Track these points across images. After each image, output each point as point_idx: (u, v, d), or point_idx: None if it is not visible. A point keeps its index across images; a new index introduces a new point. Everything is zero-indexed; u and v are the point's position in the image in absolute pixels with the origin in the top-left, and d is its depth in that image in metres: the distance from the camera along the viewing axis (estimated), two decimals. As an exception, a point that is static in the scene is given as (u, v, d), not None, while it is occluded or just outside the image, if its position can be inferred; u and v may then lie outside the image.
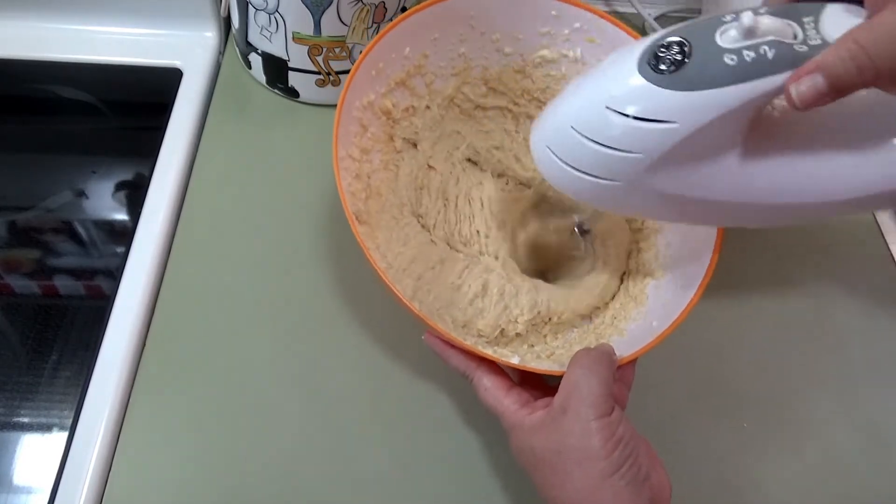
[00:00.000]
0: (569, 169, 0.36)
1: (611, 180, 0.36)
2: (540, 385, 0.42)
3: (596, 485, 0.35)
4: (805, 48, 0.30)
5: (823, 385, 0.52)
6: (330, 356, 0.50)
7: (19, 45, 0.64)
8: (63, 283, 0.54)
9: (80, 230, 0.57)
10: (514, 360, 0.42)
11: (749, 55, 0.31)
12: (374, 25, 0.57)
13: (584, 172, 0.36)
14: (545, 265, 0.53)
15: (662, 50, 0.32)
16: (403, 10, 0.58)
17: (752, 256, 0.57)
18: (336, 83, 0.61)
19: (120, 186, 0.59)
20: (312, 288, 0.52)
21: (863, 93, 0.35)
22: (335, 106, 0.63)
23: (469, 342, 0.42)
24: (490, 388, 0.40)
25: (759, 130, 0.35)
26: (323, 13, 0.55)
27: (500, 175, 0.56)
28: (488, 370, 0.41)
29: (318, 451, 0.46)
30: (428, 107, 0.54)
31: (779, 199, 0.37)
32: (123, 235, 0.55)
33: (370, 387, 0.49)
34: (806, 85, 0.29)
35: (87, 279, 0.54)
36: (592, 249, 0.50)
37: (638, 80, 0.32)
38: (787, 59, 0.30)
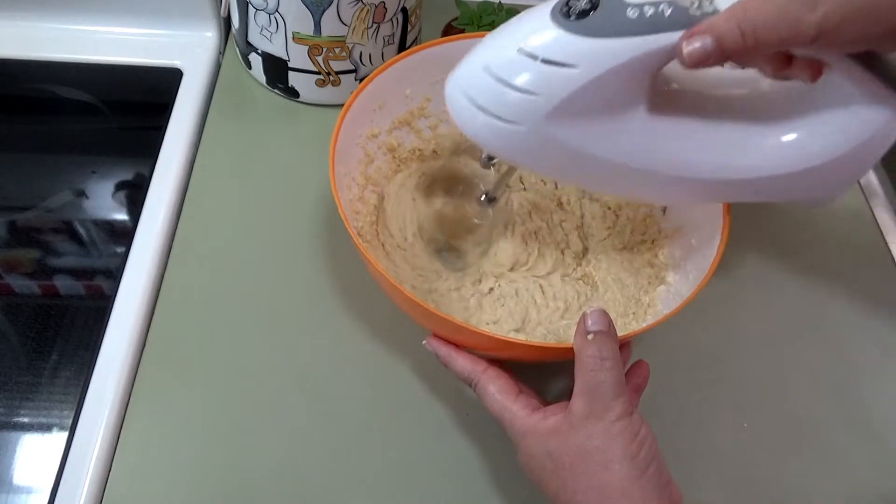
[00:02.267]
0: (477, 111, 0.38)
1: (515, 123, 0.37)
2: (535, 395, 0.42)
3: (624, 487, 0.34)
4: (699, 13, 0.33)
5: (823, 385, 0.52)
6: (329, 357, 0.50)
7: (19, 45, 0.64)
8: (63, 283, 0.54)
9: (80, 230, 0.57)
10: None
11: (649, 11, 0.34)
12: (375, 25, 0.57)
13: (491, 115, 0.37)
14: (451, 235, 0.53)
15: (574, 0, 0.35)
16: (403, 10, 0.58)
17: (752, 256, 0.57)
18: (336, 83, 0.61)
19: (120, 186, 0.59)
20: (312, 288, 0.52)
21: (756, 82, 0.40)
22: (335, 106, 0.64)
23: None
24: (496, 393, 0.39)
25: (656, 101, 0.38)
26: (323, 13, 0.55)
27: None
28: (495, 375, 0.40)
29: (317, 451, 0.46)
30: (435, 151, 0.55)
31: (665, 170, 0.39)
32: (123, 235, 0.55)
33: (370, 387, 0.49)
34: (696, 44, 0.33)
35: (87, 279, 0.54)
36: (493, 217, 0.51)
37: (548, 25, 0.35)
38: (682, 20, 0.33)
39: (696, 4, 0.34)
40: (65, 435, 0.45)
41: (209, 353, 0.49)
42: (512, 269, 0.51)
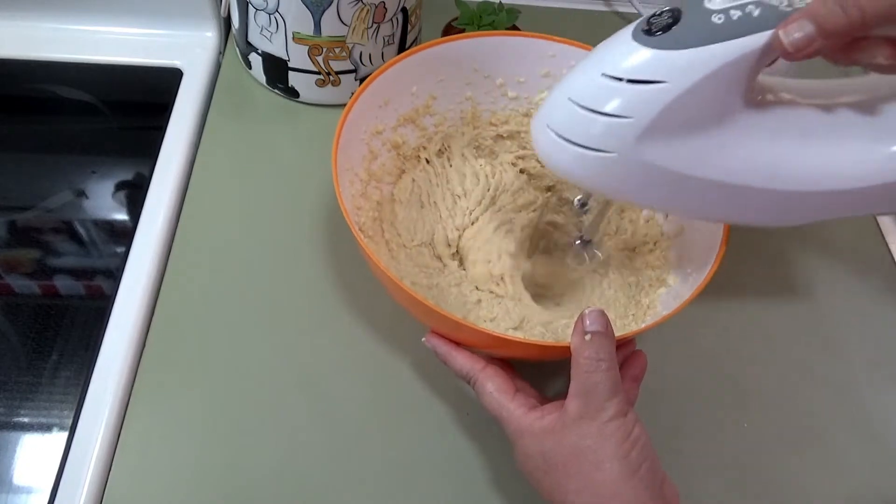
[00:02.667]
0: (566, 144, 0.36)
1: (606, 152, 0.36)
2: (533, 392, 0.42)
3: (616, 486, 0.34)
4: (789, 8, 0.32)
5: (823, 385, 0.52)
6: (330, 356, 0.50)
7: (19, 45, 0.64)
8: (63, 283, 0.54)
9: (80, 230, 0.57)
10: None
11: (735, 14, 0.32)
12: (375, 25, 0.57)
13: (579, 145, 0.36)
14: (548, 289, 0.52)
15: (655, 18, 0.34)
16: (403, 10, 0.58)
17: (752, 257, 0.57)
18: (336, 83, 0.61)
19: (120, 186, 0.59)
20: (312, 288, 0.52)
21: (861, 84, 0.37)
22: (335, 106, 0.64)
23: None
24: (494, 391, 0.40)
25: (754, 114, 0.36)
26: (323, 13, 0.55)
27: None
28: (493, 373, 0.40)
29: (317, 451, 0.46)
30: (441, 150, 0.55)
31: (768, 185, 0.37)
32: (123, 235, 0.55)
33: (370, 387, 0.49)
34: (795, 30, 0.31)
35: (87, 279, 0.54)
36: (596, 262, 0.50)
37: (630, 45, 0.34)
38: (772, 17, 0.32)
39: (785, 2, 0.32)
40: (65, 435, 0.45)
41: (209, 353, 0.49)
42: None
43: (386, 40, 0.59)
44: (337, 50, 0.58)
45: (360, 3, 0.54)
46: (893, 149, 0.36)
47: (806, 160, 0.37)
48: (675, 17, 0.33)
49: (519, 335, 0.47)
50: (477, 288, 0.50)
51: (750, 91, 0.35)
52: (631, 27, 0.34)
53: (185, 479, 0.44)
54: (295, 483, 0.44)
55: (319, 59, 0.58)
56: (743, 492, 0.47)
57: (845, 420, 0.50)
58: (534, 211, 0.54)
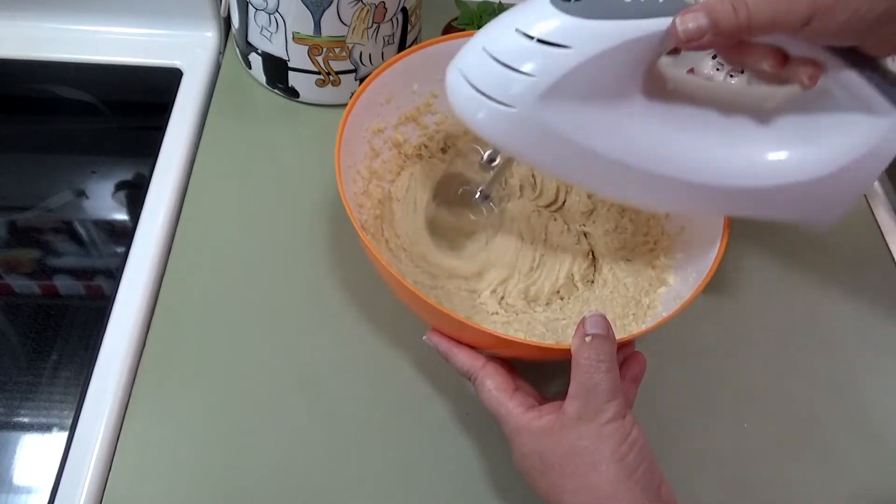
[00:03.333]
0: (474, 93, 0.38)
1: (510, 106, 0.37)
2: (532, 391, 0.42)
3: (612, 487, 0.34)
4: (692, 0, 0.34)
5: (823, 385, 0.52)
6: (330, 356, 0.50)
7: (19, 45, 0.64)
8: (63, 283, 0.54)
9: (80, 230, 0.57)
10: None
11: None
12: (375, 25, 0.57)
13: (486, 96, 0.37)
14: (447, 238, 0.53)
15: None
16: (403, 10, 0.58)
17: (752, 256, 0.57)
18: (336, 83, 0.61)
19: (120, 186, 0.59)
20: (312, 288, 0.52)
21: (755, 92, 0.40)
22: (335, 106, 0.63)
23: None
24: (493, 389, 0.40)
25: (653, 98, 0.38)
26: (323, 13, 0.55)
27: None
28: (493, 371, 0.40)
29: (318, 450, 0.46)
30: (443, 149, 0.55)
31: (648, 166, 0.39)
32: (123, 235, 0.55)
33: (370, 387, 0.49)
34: (691, 20, 0.33)
35: (87, 279, 0.54)
36: (493, 217, 0.51)
37: (546, 6, 0.35)
38: (677, 5, 0.34)
39: None
40: (65, 435, 0.45)
41: (209, 353, 0.49)
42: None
43: (386, 40, 0.59)
44: (337, 50, 0.58)
45: (360, 3, 0.54)
46: (774, 156, 0.39)
47: (688, 150, 0.39)
48: None
49: (521, 336, 0.47)
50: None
51: (650, 75, 0.38)
52: None
53: (185, 479, 0.44)
54: (295, 483, 0.44)
55: (319, 59, 0.58)
56: (743, 492, 0.47)
57: (845, 420, 0.50)
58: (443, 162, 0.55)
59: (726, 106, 0.40)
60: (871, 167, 0.38)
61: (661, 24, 0.34)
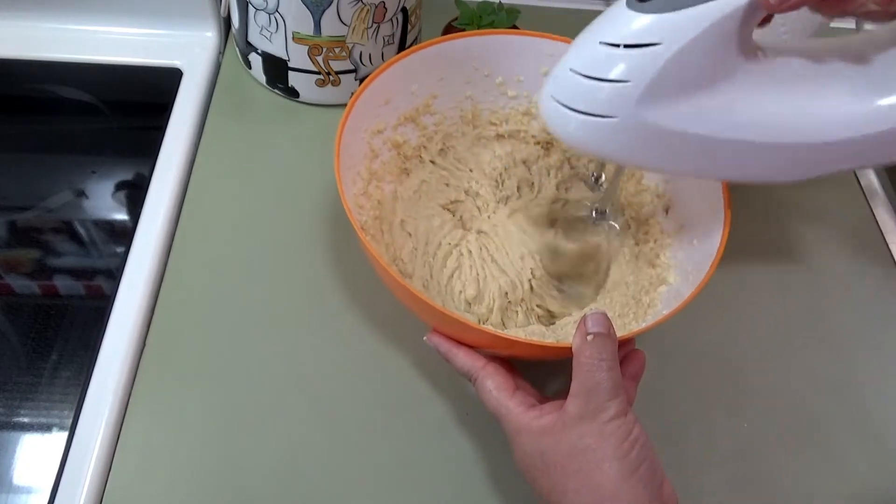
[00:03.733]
0: (571, 113, 0.38)
1: (609, 116, 0.37)
2: (533, 391, 0.42)
3: (615, 486, 0.34)
4: None
5: (823, 385, 0.52)
6: (330, 356, 0.50)
7: (19, 45, 0.64)
8: (63, 283, 0.54)
9: (80, 230, 0.57)
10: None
11: None
12: (375, 25, 0.57)
13: (584, 113, 0.37)
14: (571, 270, 0.52)
15: None
16: (403, 10, 0.58)
17: (752, 256, 0.57)
18: (336, 83, 0.61)
19: (120, 186, 0.59)
20: (312, 288, 0.52)
21: (852, 40, 0.38)
22: (335, 106, 0.63)
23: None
24: (493, 389, 0.40)
25: (748, 68, 0.37)
26: (323, 13, 0.55)
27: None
28: (493, 371, 0.40)
29: (318, 451, 0.46)
30: (442, 150, 0.55)
31: (766, 138, 0.38)
32: (123, 235, 0.55)
33: (370, 387, 0.49)
34: None
35: (87, 279, 0.54)
36: (614, 232, 0.51)
37: (624, 12, 0.35)
38: None
39: None
40: (65, 435, 0.45)
41: (209, 352, 0.49)
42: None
43: (386, 40, 0.59)
44: (337, 50, 0.58)
45: (360, 3, 0.54)
46: (880, 101, 0.38)
47: (800, 112, 0.38)
48: None
49: (520, 335, 0.47)
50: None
51: (744, 49, 0.37)
52: None
53: (185, 479, 0.44)
54: (295, 483, 0.44)
55: (319, 59, 0.58)
56: (743, 492, 0.47)
57: (845, 419, 0.50)
58: (539, 193, 0.55)
59: (826, 59, 0.39)
60: None
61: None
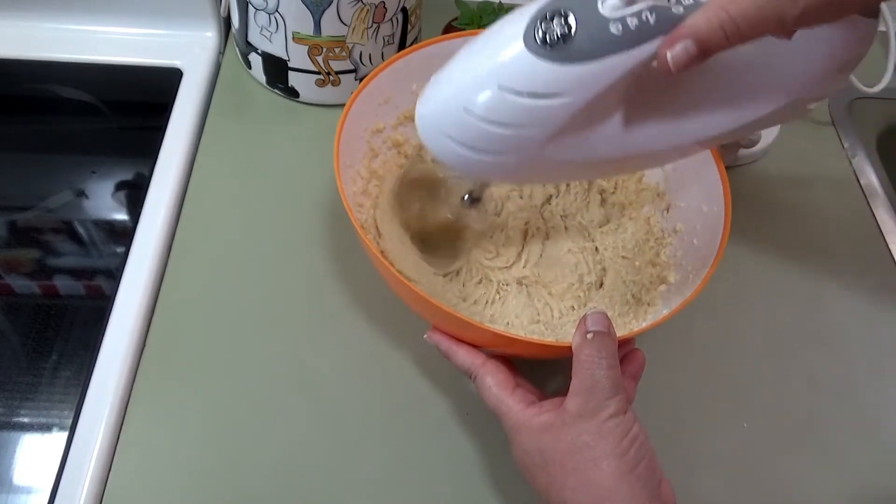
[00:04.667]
0: (465, 150, 0.36)
1: (508, 154, 0.36)
2: (533, 389, 0.42)
3: (613, 483, 0.34)
4: (681, 9, 0.32)
5: (823, 385, 0.52)
6: (330, 356, 0.50)
7: (19, 45, 0.64)
8: (63, 283, 0.54)
9: (80, 230, 0.57)
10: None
11: (633, 22, 0.32)
12: (375, 25, 0.57)
13: (482, 151, 0.36)
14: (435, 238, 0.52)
15: (545, 23, 0.32)
16: (403, 10, 0.58)
17: (752, 256, 0.57)
18: (336, 83, 0.61)
19: (120, 186, 0.59)
20: (312, 288, 0.52)
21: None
22: (335, 106, 0.63)
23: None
24: (493, 386, 0.40)
25: (642, 90, 0.37)
26: (323, 13, 0.55)
27: None
28: (493, 369, 0.40)
29: (318, 451, 0.46)
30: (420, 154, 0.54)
31: (652, 148, 0.39)
32: (123, 235, 0.55)
33: (370, 386, 0.49)
34: (679, 50, 0.31)
35: (87, 279, 0.54)
36: (486, 217, 0.51)
37: (527, 57, 0.32)
38: (668, 21, 0.32)
39: (674, 0, 0.32)
40: (65, 435, 0.45)
41: (209, 352, 0.49)
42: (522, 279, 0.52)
43: (386, 40, 0.59)
44: (337, 50, 0.58)
45: (360, 3, 0.54)
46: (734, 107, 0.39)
47: (674, 124, 0.39)
48: (569, 25, 0.32)
49: (521, 334, 0.47)
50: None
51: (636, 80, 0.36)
52: (520, 28, 0.33)
53: (185, 479, 0.44)
54: (295, 483, 0.44)
55: (319, 59, 0.58)
56: (743, 491, 0.47)
57: (845, 420, 0.50)
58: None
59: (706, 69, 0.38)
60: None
61: (649, 48, 0.32)
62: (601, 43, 0.32)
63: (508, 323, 0.49)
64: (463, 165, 0.37)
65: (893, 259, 0.59)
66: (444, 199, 0.51)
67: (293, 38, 0.57)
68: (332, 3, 0.54)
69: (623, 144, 0.38)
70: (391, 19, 0.58)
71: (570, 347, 0.38)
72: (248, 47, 0.61)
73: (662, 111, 0.39)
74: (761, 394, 0.51)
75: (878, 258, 0.59)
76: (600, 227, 0.54)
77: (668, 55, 0.31)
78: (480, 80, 0.34)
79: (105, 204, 0.58)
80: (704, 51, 0.31)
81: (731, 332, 0.54)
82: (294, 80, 0.61)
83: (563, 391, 0.38)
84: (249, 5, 0.56)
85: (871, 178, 0.65)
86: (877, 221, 0.61)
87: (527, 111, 0.34)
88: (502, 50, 0.33)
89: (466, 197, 0.48)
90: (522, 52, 0.32)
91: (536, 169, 0.38)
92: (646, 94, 0.38)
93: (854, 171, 0.64)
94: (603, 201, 0.54)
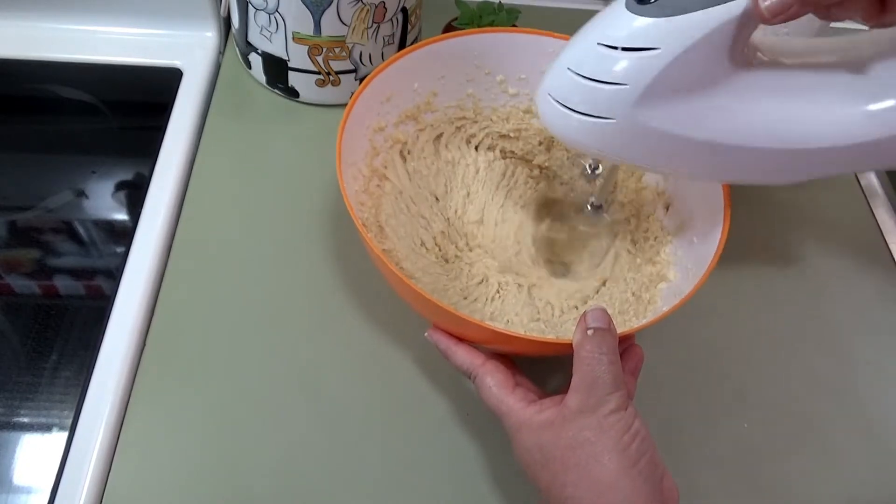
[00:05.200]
0: (568, 112, 0.38)
1: (605, 118, 0.37)
2: (532, 387, 0.42)
3: (614, 478, 0.34)
4: None
5: (823, 385, 0.52)
6: (330, 356, 0.50)
7: (19, 45, 0.64)
8: (63, 283, 0.54)
9: (80, 230, 0.57)
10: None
11: None
12: (375, 25, 0.57)
13: (579, 112, 0.38)
14: (563, 256, 0.53)
15: None
16: (403, 10, 0.58)
17: (752, 255, 0.57)
18: (336, 83, 0.61)
19: (120, 186, 0.59)
20: (312, 287, 0.52)
21: (848, 43, 0.39)
22: (335, 106, 0.63)
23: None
24: (493, 386, 0.40)
25: (744, 73, 0.37)
26: (323, 13, 0.55)
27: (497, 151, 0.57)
28: (493, 369, 0.40)
29: (318, 451, 0.46)
30: (438, 135, 0.55)
31: (760, 143, 0.39)
32: (123, 235, 0.55)
33: (370, 386, 0.49)
34: None
35: (87, 279, 0.54)
36: (610, 224, 0.52)
37: (624, 14, 0.35)
38: None
39: None
40: (65, 435, 0.45)
41: (209, 353, 0.49)
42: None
43: (386, 40, 0.59)
44: (337, 50, 0.58)
45: (360, 3, 0.54)
46: (872, 107, 0.38)
47: (795, 119, 0.39)
48: None
49: (520, 331, 0.47)
50: (497, 273, 0.51)
51: (741, 53, 0.37)
52: None
53: (185, 479, 0.44)
54: (295, 483, 0.44)
55: (319, 59, 0.58)
56: (743, 491, 0.47)
57: (845, 420, 0.50)
58: (537, 184, 0.56)
59: (823, 62, 0.39)
60: None
61: (742, 4, 0.33)
62: None
63: (508, 321, 0.49)
64: (569, 131, 0.39)
65: (893, 259, 0.59)
66: (564, 216, 0.53)
67: (293, 38, 0.57)
68: (332, 3, 0.54)
69: (725, 130, 0.38)
70: (391, 19, 0.58)
71: (570, 344, 0.38)
72: (248, 47, 0.61)
73: (774, 104, 0.38)
74: (761, 393, 0.51)
75: (878, 258, 0.59)
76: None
77: (760, 2, 0.32)
78: (583, 41, 0.37)
79: (105, 204, 0.58)
80: None
81: (731, 332, 0.54)
82: (294, 80, 0.61)
83: (563, 389, 0.38)
84: (249, 5, 0.56)
85: (871, 178, 0.65)
86: (877, 221, 0.61)
87: (621, 64, 0.36)
88: (604, 14, 0.37)
89: (590, 206, 0.50)
90: (621, 10, 0.35)
91: (639, 141, 0.38)
92: (756, 81, 0.38)
93: (854, 172, 0.64)
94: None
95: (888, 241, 0.60)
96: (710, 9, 0.34)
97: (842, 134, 0.39)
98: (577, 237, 0.53)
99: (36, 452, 0.46)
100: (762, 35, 0.38)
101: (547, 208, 0.55)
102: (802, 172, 0.42)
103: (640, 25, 0.35)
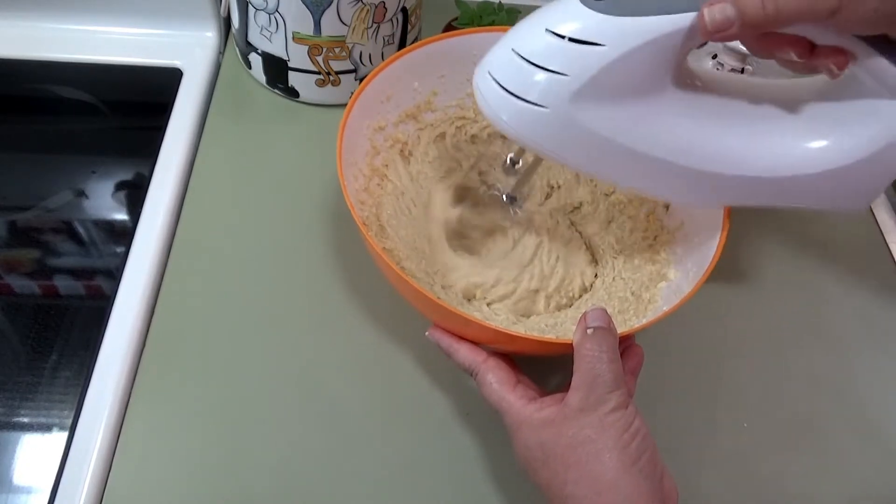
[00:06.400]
0: (504, 94, 0.38)
1: (541, 106, 0.37)
2: (533, 386, 0.42)
3: (615, 476, 0.34)
4: None
5: (823, 385, 0.52)
6: (330, 356, 0.50)
7: (19, 45, 0.64)
8: (63, 283, 0.54)
9: (80, 230, 0.57)
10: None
11: None
12: (375, 25, 0.57)
13: (515, 96, 0.37)
14: (469, 238, 0.53)
15: None
16: (403, 10, 0.58)
17: (752, 255, 0.57)
18: (336, 83, 0.61)
19: (120, 186, 0.59)
20: (312, 287, 0.52)
21: (785, 84, 0.40)
22: (335, 106, 0.63)
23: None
24: (495, 383, 0.40)
25: (682, 94, 0.38)
26: (323, 13, 0.55)
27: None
28: (494, 366, 0.41)
29: (318, 450, 0.46)
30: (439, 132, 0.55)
31: (685, 161, 0.39)
32: (123, 235, 0.55)
33: (370, 386, 0.49)
34: (718, 12, 0.33)
35: (87, 279, 0.54)
36: (518, 218, 0.52)
37: (575, 5, 0.35)
38: None
39: None
40: (65, 435, 0.45)
41: (209, 352, 0.49)
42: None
43: (386, 40, 0.59)
44: (337, 50, 0.58)
45: (360, 3, 0.54)
46: (805, 145, 0.39)
47: (723, 144, 0.39)
48: None
49: (521, 331, 0.47)
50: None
51: (680, 71, 0.37)
52: None
53: (186, 479, 0.44)
54: (295, 482, 0.44)
55: (319, 59, 0.58)
56: (742, 491, 0.47)
57: (845, 420, 0.50)
58: (463, 170, 0.56)
59: (756, 98, 0.40)
60: None
61: (690, 17, 0.34)
62: (640, 2, 0.34)
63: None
64: (501, 113, 0.38)
65: (893, 259, 0.59)
66: (485, 204, 0.52)
67: (293, 38, 0.57)
68: (332, 3, 0.54)
69: (655, 143, 0.39)
70: (391, 19, 0.58)
71: (570, 344, 0.38)
72: (248, 47, 0.61)
73: (696, 127, 0.39)
74: (761, 393, 0.51)
75: (878, 258, 0.59)
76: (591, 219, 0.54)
77: (706, 15, 0.33)
78: (531, 25, 0.37)
79: (105, 204, 0.58)
80: (742, 16, 0.32)
81: (730, 332, 0.54)
82: (294, 80, 0.61)
83: (563, 388, 0.38)
84: (249, 5, 0.56)
85: (870, 177, 0.65)
86: (877, 221, 0.61)
87: (565, 55, 0.36)
88: (557, 2, 0.37)
89: (504, 197, 0.49)
90: (576, 1, 0.35)
91: (570, 138, 0.38)
92: (690, 103, 0.38)
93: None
94: (605, 197, 0.55)
95: (888, 241, 0.60)
96: (662, 16, 0.34)
97: (773, 166, 0.39)
98: (490, 225, 0.53)
99: (36, 452, 0.46)
100: (701, 67, 0.38)
101: (465, 192, 0.54)
102: (726, 198, 0.43)
103: (590, 19, 0.35)
